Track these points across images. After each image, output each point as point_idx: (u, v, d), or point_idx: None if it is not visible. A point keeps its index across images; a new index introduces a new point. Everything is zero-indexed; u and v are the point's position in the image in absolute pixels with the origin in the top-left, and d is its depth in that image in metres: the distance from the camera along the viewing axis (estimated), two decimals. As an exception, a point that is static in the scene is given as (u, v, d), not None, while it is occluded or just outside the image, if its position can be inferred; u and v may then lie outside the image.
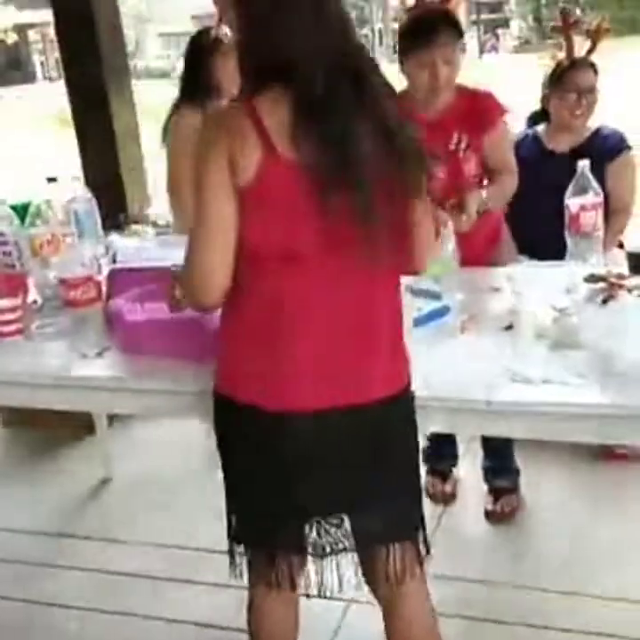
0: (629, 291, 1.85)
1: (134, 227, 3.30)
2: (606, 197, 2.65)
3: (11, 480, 3.02)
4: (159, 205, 3.43)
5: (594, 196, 2.08)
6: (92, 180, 3.37)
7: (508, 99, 2.41)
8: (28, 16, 22.99)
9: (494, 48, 30.86)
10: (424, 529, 1.56)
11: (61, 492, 2.91)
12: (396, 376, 1.47)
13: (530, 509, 2.55)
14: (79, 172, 3.27)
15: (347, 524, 1.48)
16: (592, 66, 2.70)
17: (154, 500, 2.79)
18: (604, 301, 1.74)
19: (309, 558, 1.51)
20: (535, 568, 2.28)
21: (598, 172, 2.67)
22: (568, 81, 2.65)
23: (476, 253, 2.19)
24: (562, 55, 2.73)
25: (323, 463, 1.44)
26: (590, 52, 2.73)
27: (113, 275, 2.08)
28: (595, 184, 2.08)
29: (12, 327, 1.97)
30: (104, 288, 2.04)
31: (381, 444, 1.46)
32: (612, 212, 2.65)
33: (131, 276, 2.05)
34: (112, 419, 3.09)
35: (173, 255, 2.21)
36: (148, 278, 2.05)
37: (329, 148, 1.28)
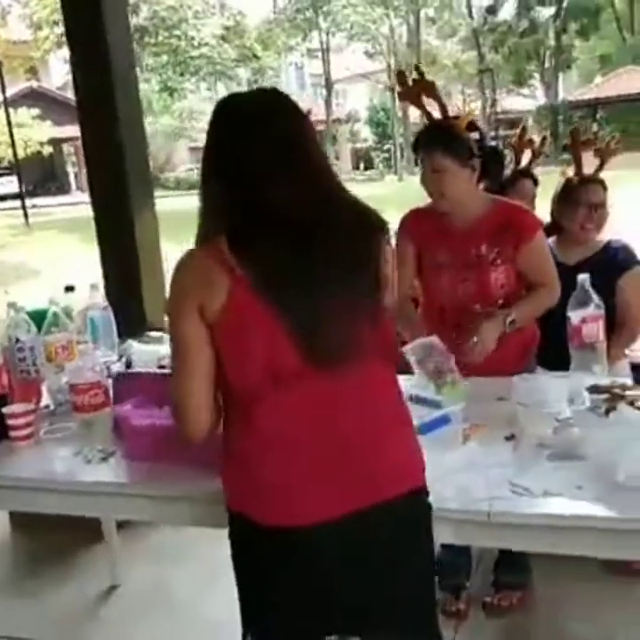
0: (632, 403, 1.85)
1: (152, 334, 3.39)
2: (616, 310, 2.72)
3: (15, 587, 2.99)
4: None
5: (594, 309, 2.11)
6: (112, 288, 3.49)
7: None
8: (62, 130, 24.19)
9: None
10: None
11: (66, 601, 2.87)
12: (407, 472, 1.46)
13: (536, 618, 2.49)
14: (100, 280, 3.37)
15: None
16: (601, 182, 2.81)
17: (161, 610, 2.74)
18: (606, 412, 1.75)
19: None
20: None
21: (608, 285, 2.74)
22: (578, 196, 2.74)
23: (503, 367, 2.18)
24: (571, 172, 2.86)
25: (329, 579, 1.43)
26: (599, 169, 2.85)
27: (118, 379, 2.12)
28: (595, 297, 2.12)
29: (24, 432, 2.01)
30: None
31: (396, 546, 1.43)
32: (621, 325, 2.68)
33: (135, 380, 2.10)
34: (121, 526, 3.06)
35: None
36: (151, 382, 2.09)
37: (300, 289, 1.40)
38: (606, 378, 2.10)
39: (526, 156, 3.38)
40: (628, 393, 1.95)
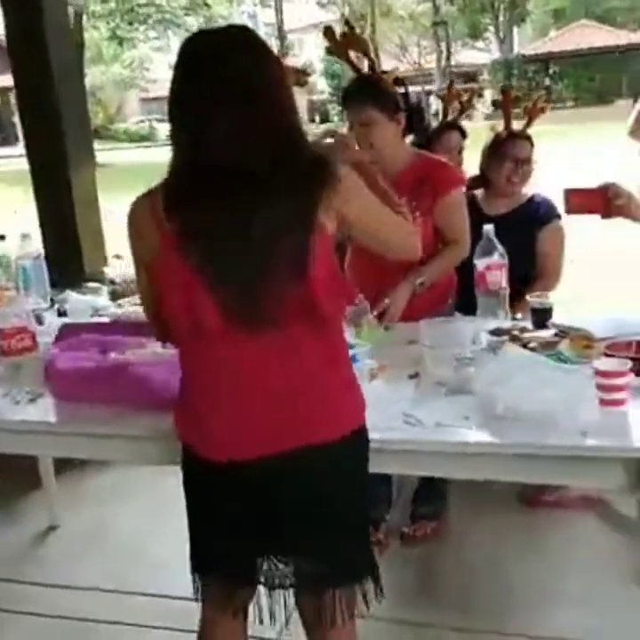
0: (525, 345, 2.00)
1: (91, 285, 3.44)
2: (536, 261, 2.87)
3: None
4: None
5: (498, 257, 2.25)
6: (49, 240, 3.53)
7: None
8: (7, 79, 23.47)
9: (469, 116, 31.93)
10: (374, 574, 1.61)
11: (4, 543, 2.96)
12: (338, 419, 1.52)
13: (452, 548, 2.66)
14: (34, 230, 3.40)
15: (291, 563, 1.58)
16: (528, 138, 2.94)
17: (101, 549, 2.85)
18: (494, 351, 1.89)
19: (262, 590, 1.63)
20: (447, 604, 2.39)
21: (530, 236, 2.89)
22: (505, 151, 2.87)
23: (420, 313, 2.26)
24: (501, 127, 2.98)
25: (251, 508, 1.55)
26: (527, 125, 2.98)
27: (63, 329, 2.24)
28: (499, 246, 2.26)
29: (-46, 376, 2.08)
30: (48, 339, 2.18)
31: (316, 490, 1.53)
32: (540, 275, 2.84)
33: (80, 329, 2.20)
34: (58, 471, 3.15)
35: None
36: (94, 330, 2.19)
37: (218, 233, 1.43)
38: (509, 322, 2.26)
39: (455, 109, 3.43)
40: (525, 335, 2.11)
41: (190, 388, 1.57)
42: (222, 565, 1.62)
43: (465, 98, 3.44)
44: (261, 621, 1.68)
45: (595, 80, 30.27)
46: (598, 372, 1.63)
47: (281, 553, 1.59)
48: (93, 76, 30.83)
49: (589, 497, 2.76)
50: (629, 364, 1.64)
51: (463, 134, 3.36)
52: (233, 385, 1.50)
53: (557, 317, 2.19)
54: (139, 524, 2.98)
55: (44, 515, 3.06)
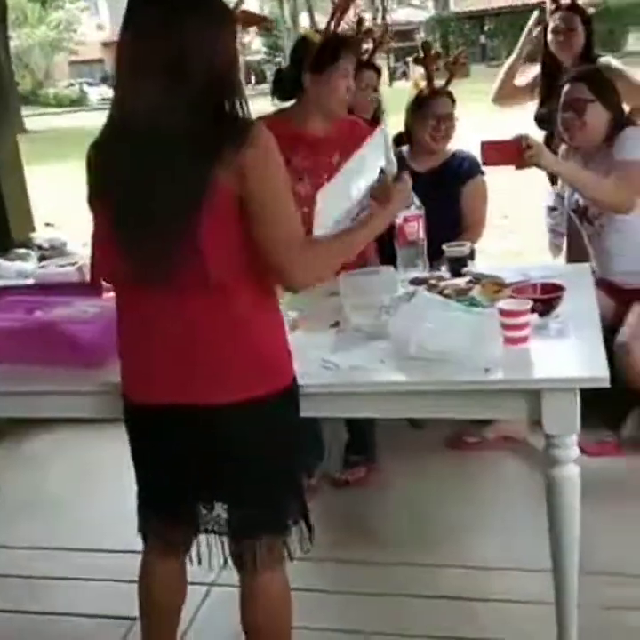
0: (440, 291, 2.10)
1: (18, 250, 3.43)
2: (460, 217, 2.97)
3: None
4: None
5: (415, 209, 2.34)
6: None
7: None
8: None
9: (405, 75, 31.86)
10: (304, 520, 1.70)
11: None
12: (231, 384, 1.55)
13: (382, 490, 2.79)
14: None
15: (220, 509, 1.65)
16: (449, 95, 3.00)
17: (40, 511, 2.89)
18: (408, 299, 1.99)
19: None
20: (379, 542, 2.52)
21: (454, 191, 2.99)
22: (427, 108, 2.94)
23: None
24: (424, 84, 3.03)
25: (172, 454, 1.64)
26: (448, 82, 3.04)
27: None
28: (416, 199, 2.34)
29: None
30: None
31: (226, 443, 1.60)
32: (465, 229, 2.94)
33: (4, 292, 2.22)
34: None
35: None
36: (17, 293, 2.22)
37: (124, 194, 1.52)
38: (427, 271, 2.36)
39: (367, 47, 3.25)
40: (441, 283, 2.21)
41: (118, 334, 1.67)
42: (159, 506, 1.72)
43: (377, 34, 3.31)
44: (200, 563, 1.77)
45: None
46: (502, 312, 1.74)
47: (210, 498, 1.67)
48: (19, 39, 29.81)
49: (508, 437, 2.92)
50: (530, 303, 1.75)
51: (378, 72, 3.28)
52: (139, 333, 1.60)
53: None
54: (72, 484, 3.05)
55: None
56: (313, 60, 2.44)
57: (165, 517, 1.73)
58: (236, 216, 1.48)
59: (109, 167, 1.55)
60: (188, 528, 1.73)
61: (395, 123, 3.21)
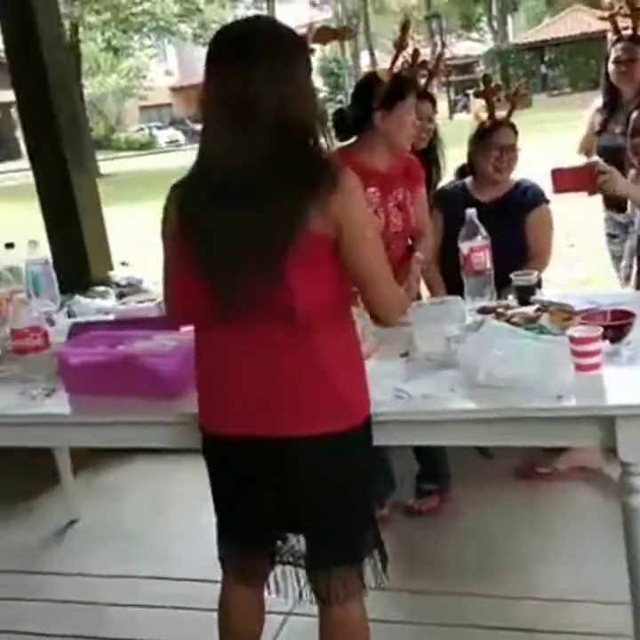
0: (508, 319, 2.12)
1: (97, 288, 3.57)
2: (526, 246, 2.97)
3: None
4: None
5: (481, 240, 2.36)
6: (56, 248, 3.66)
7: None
8: (7, 95, 23.63)
9: (465, 107, 31.96)
10: (379, 551, 1.72)
11: (28, 536, 3.10)
12: (310, 419, 1.59)
13: (455, 520, 2.79)
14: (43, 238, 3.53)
15: (297, 542, 1.71)
16: (512, 126, 3.03)
17: (117, 540, 2.98)
18: (477, 327, 2.01)
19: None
20: (451, 572, 2.51)
21: (519, 220, 3.00)
22: (490, 139, 2.97)
23: None
24: (485, 116, 3.07)
25: (248, 486, 1.68)
26: (510, 113, 3.06)
27: (73, 327, 2.38)
28: (482, 229, 2.37)
29: (-27, 378, 2.21)
30: (59, 339, 2.31)
31: (303, 477, 1.63)
32: (531, 258, 2.94)
33: (90, 327, 2.34)
34: (75, 470, 3.27)
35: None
36: (103, 328, 2.33)
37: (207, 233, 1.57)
38: (494, 300, 2.38)
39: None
40: (509, 312, 2.22)
41: (197, 368, 1.72)
42: (237, 536, 1.77)
43: (431, 65, 3.28)
44: (278, 592, 1.81)
45: (590, 64, 30.25)
46: (572, 340, 1.75)
47: (285, 530, 1.73)
48: (92, 87, 31.05)
49: (581, 467, 2.88)
50: (600, 330, 1.75)
51: (433, 102, 3.23)
52: (219, 367, 1.64)
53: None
54: (149, 514, 3.13)
55: (64, 510, 3.20)
56: (383, 97, 2.53)
57: (243, 547, 1.77)
58: (323, 257, 1.53)
59: (193, 206, 1.59)
60: (265, 558, 1.78)
61: (456, 155, 3.27)
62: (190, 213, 1.60)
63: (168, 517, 3.08)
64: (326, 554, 1.67)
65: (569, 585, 2.35)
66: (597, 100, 3.61)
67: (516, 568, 2.49)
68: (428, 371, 1.94)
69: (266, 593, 1.85)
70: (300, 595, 1.77)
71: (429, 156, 3.16)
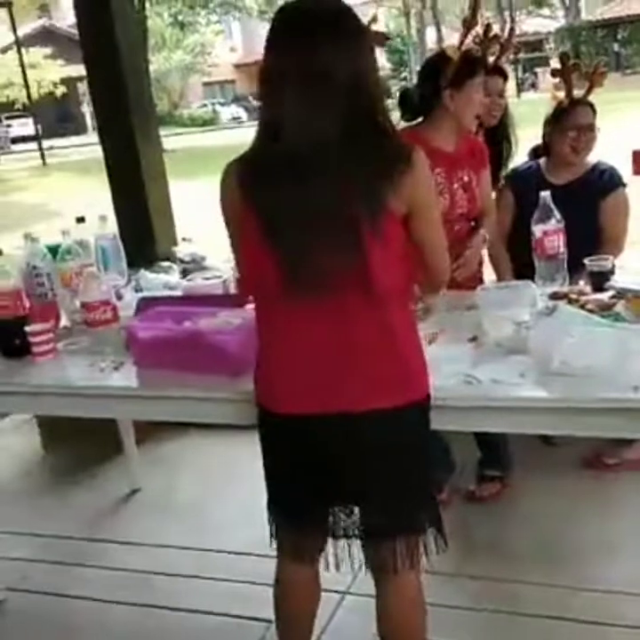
0: (582, 306, 2.06)
1: (163, 263, 3.60)
2: (600, 231, 2.88)
3: (47, 495, 3.31)
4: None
5: (556, 223, 2.30)
6: (123, 223, 3.70)
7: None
8: (75, 69, 23.99)
9: (534, 86, 31.18)
10: (437, 529, 1.73)
11: (92, 504, 3.19)
12: (379, 392, 1.60)
13: (516, 508, 2.76)
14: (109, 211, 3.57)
15: (357, 514, 1.71)
16: (590, 105, 2.92)
17: (176, 510, 3.04)
18: (551, 313, 1.95)
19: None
20: (512, 559, 2.49)
21: (594, 204, 2.90)
22: (567, 119, 2.87)
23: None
24: (562, 95, 2.97)
25: (312, 462, 1.68)
26: (588, 92, 2.95)
27: (141, 302, 2.41)
28: (556, 212, 2.30)
29: (44, 348, 2.25)
30: (127, 313, 2.34)
31: (369, 449, 1.64)
32: (603, 244, 2.85)
33: (157, 302, 2.36)
34: (138, 440, 3.34)
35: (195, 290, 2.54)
36: (169, 303, 2.35)
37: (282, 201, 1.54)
38: (566, 286, 2.31)
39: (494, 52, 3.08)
40: (582, 298, 2.16)
41: (260, 345, 1.71)
42: (293, 513, 1.76)
43: (503, 39, 3.09)
44: (337, 567, 1.81)
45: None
46: (650, 329, 1.69)
47: (344, 503, 1.73)
48: (157, 62, 31.33)
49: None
50: (681, 319, 1.68)
51: (505, 77, 3.13)
52: (290, 345, 1.63)
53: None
54: (206, 486, 3.19)
55: (126, 479, 3.27)
56: (452, 76, 2.47)
57: (298, 524, 1.78)
58: (394, 233, 1.55)
59: (258, 178, 1.57)
60: (320, 535, 1.78)
61: (528, 134, 3.18)
62: (255, 185, 1.57)
63: (225, 491, 3.11)
64: (390, 523, 1.68)
65: (632, 578, 2.30)
66: None
67: (576, 558, 2.45)
68: (497, 356, 1.90)
69: (323, 570, 1.85)
70: (360, 568, 1.77)
71: (500, 133, 3.09)
